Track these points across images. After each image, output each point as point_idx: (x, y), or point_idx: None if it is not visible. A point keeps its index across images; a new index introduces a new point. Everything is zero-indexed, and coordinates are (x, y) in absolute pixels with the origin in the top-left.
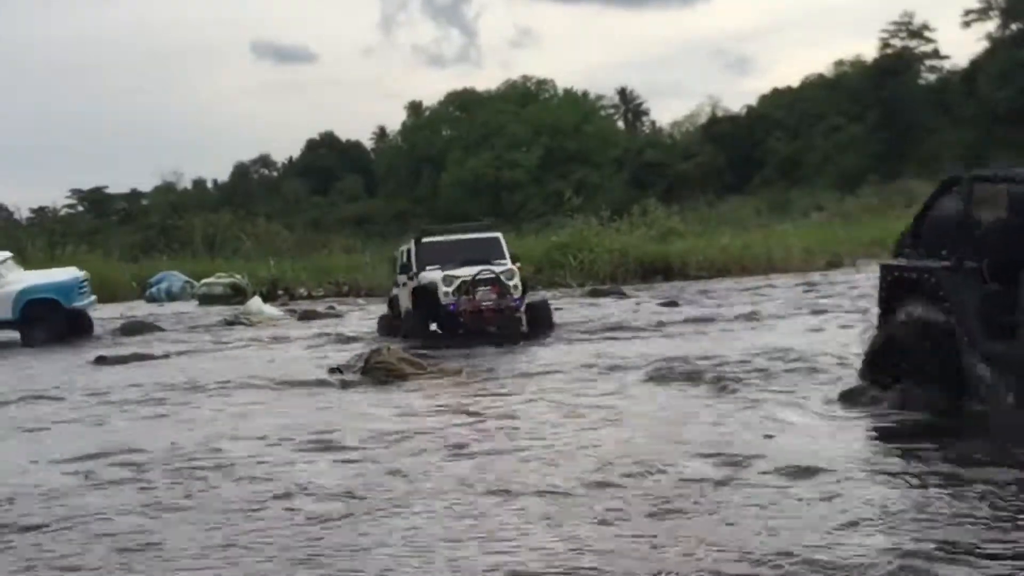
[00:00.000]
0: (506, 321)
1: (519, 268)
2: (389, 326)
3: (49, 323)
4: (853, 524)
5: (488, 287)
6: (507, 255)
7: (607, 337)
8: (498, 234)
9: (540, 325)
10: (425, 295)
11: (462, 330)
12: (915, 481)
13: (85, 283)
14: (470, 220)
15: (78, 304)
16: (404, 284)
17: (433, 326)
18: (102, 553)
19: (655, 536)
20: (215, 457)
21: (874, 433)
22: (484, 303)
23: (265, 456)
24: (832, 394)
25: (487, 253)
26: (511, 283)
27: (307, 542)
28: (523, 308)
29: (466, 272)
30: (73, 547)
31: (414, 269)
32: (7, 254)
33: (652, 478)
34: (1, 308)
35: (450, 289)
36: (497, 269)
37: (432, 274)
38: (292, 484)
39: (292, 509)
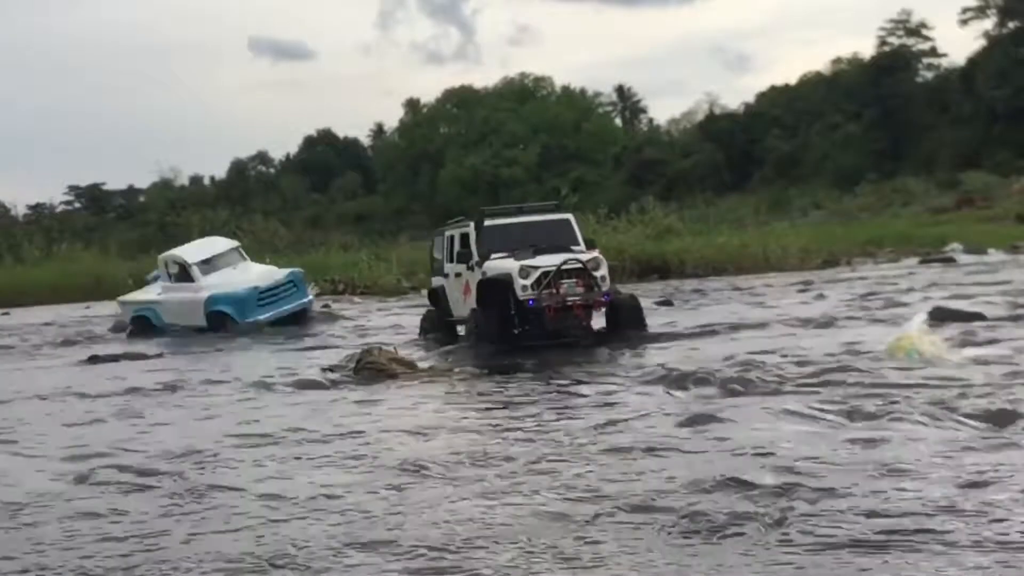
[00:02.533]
0: (577, 321)
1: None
2: (435, 324)
3: (224, 329)
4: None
5: (574, 279)
6: (580, 240)
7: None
8: (569, 215)
9: (628, 327)
10: (496, 289)
11: (548, 329)
12: None
13: (275, 288)
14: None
15: (257, 317)
16: (458, 275)
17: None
18: (92, 555)
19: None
20: (202, 457)
21: None
22: (570, 297)
23: (251, 457)
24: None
25: (559, 237)
26: (598, 274)
27: (290, 540)
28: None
29: (545, 261)
30: (61, 549)
31: (476, 257)
32: (229, 244)
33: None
34: (195, 315)
35: (528, 282)
36: (583, 258)
37: (503, 263)
38: (279, 484)
39: (274, 508)
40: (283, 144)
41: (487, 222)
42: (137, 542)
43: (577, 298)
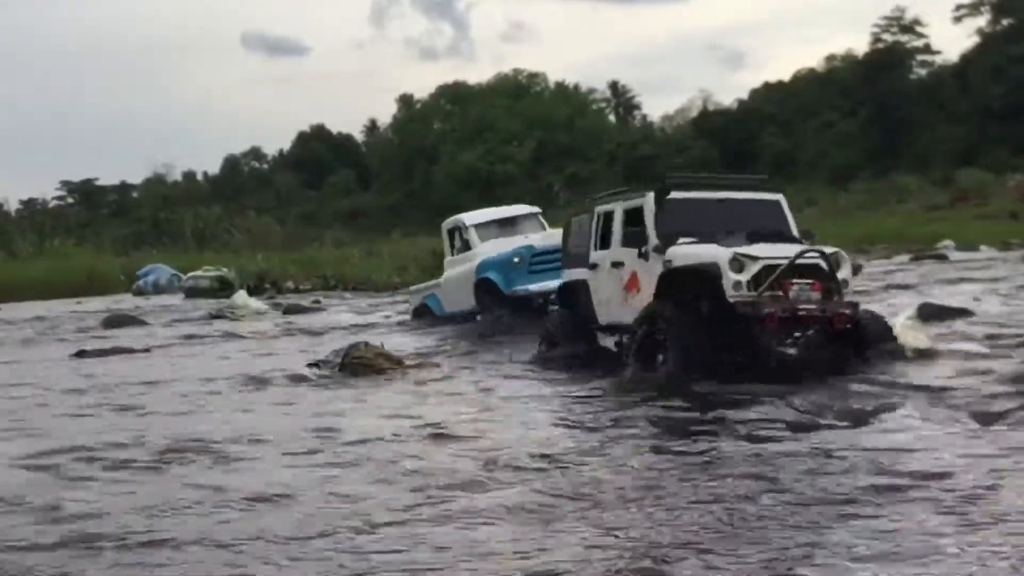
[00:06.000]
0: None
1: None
2: (565, 331)
3: (490, 310)
4: None
5: (809, 280)
6: (795, 230)
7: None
8: (780, 196)
9: (870, 348)
10: (690, 285)
11: (763, 347)
12: None
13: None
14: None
15: (527, 286)
16: (616, 264)
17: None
18: (77, 550)
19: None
20: (188, 453)
21: None
22: (803, 306)
23: (236, 453)
24: None
25: (766, 224)
26: (841, 276)
27: (273, 536)
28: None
29: (768, 251)
30: (45, 546)
31: (654, 240)
32: (526, 209)
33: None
34: (468, 292)
35: (744, 277)
36: (825, 250)
37: (703, 250)
38: (264, 480)
39: (260, 503)
40: (277, 140)
41: (674, 194)
42: (112, 538)
43: (813, 307)
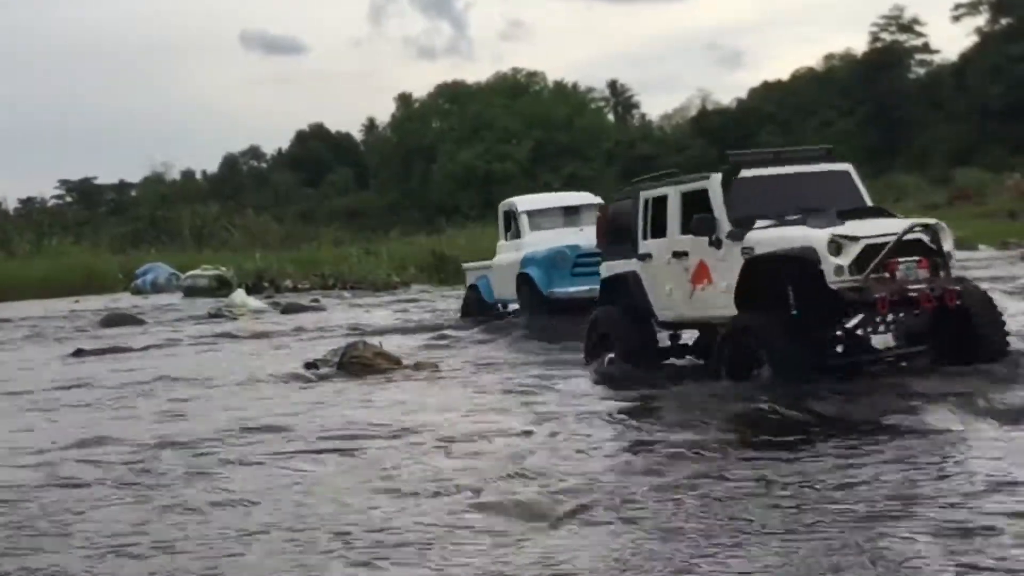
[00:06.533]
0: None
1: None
2: (625, 331)
3: (527, 309)
4: None
5: (915, 257)
6: (869, 200)
7: None
8: (848, 166)
9: (981, 342)
10: (781, 272)
11: (893, 336)
12: None
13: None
14: (461, 213)
15: (567, 289)
16: (678, 254)
17: None
18: (72, 552)
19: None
20: (183, 452)
21: None
22: (912, 286)
23: (231, 452)
24: None
25: (839, 199)
26: (946, 249)
27: (271, 538)
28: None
29: (868, 230)
30: (41, 545)
31: (726, 225)
32: (587, 198)
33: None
34: (510, 284)
35: (845, 261)
36: (928, 222)
37: (791, 232)
38: (259, 479)
39: (256, 501)
40: (275, 139)
41: (744, 173)
42: (105, 538)
43: (923, 286)
